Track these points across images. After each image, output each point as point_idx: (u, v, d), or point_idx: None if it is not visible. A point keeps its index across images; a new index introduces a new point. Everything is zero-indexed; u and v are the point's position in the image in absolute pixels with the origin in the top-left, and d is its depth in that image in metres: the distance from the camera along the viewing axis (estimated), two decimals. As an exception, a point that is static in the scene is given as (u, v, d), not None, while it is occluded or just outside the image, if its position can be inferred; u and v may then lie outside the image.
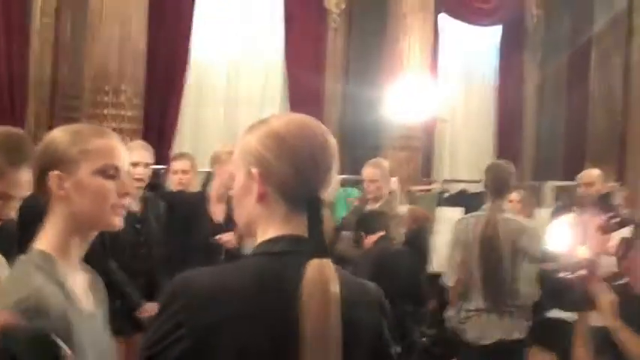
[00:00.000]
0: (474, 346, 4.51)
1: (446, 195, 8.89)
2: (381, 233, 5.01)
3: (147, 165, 4.56)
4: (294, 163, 1.46)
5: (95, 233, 1.80)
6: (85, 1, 7.61)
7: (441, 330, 6.93)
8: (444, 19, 10.71)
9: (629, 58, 11.15)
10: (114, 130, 2.67)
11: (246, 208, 1.51)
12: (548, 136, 11.47)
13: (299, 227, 1.47)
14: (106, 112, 7.22)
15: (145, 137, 6.78)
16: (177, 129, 8.74)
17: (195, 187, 5.40)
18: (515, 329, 4.47)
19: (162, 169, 6.64)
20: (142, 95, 7.68)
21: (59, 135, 1.78)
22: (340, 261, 2.35)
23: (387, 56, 9.64)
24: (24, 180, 2.03)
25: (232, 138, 8.42)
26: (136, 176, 4.31)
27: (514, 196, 6.33)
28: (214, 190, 4.73)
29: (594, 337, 2.85)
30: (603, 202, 4.76)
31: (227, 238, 4.58)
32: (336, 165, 1.52)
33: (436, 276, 6.77)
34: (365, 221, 5.13)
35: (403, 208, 5.89)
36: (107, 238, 4.10)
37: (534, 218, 6.34)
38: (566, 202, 5.59)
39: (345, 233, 5.25)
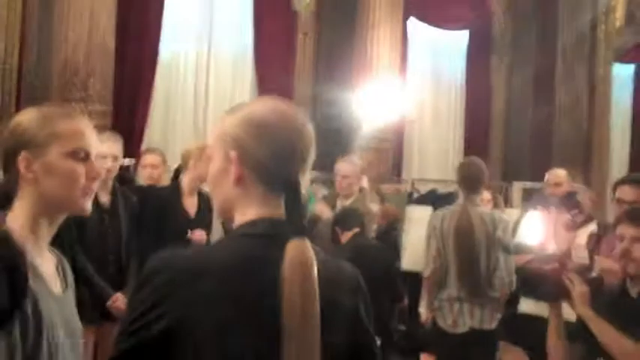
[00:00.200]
0: (448, 333, 4.62)
1: (415, 195, 8.95)
2: (357, 230, 5.03)
3: (115, 157, 4.49)
4: (273, 147, 1.46)
5: (63, 217, 1.77)
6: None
7: (412, 326, 7.01)
8: (412, 22, 10.81)
9: (594, 67, 11.40)
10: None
11: (223, 191, 1.51)
12: (516, 138, 11.66)
13: (277, 209, 1.47)
14: (74, 105, 7.13)
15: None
16: (146, 125, 8.68)
17: (165, 182, 5.36)
18: (487, 319, 4.60)
19: (132, 164, 6.59)
20: (111, 90, 7.61)
21: (28, 117, 1.75)
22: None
23: (356, 58, 9.71)
24: None
25: (201, 137, 8.42)
26: (105, 168, 4.25)
27: (485, 195, 6.42)
28: (186, 183, 4.70)
29: (567, 328, 2.89)
30: (568, 200, 4.82)
31: (198, 235, 4.56)
32: (313, 151, 1.52)
33: (406, 273, 6.85)
34: (340, 218, 5.14)
35: (374, 206, 5.93)
36: (74, 229, 4.06)
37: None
38: (538, 202, 5.64)
39: (320, 229, 5.25)
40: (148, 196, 4.75)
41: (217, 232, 4.89)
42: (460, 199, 4.76)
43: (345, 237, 4.99)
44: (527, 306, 4.89)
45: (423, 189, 9.34)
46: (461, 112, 11.63)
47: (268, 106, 1.52)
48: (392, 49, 9.72)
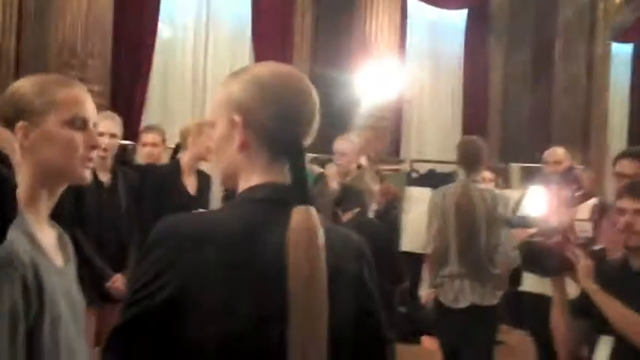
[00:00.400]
0: (449, 309, 4.66)
1: (414, 175, 8.94)
2: (357, 209, 5.03)
3: (113, 135, 4.47)
4: (278, 110, 1.44)
5: (62, 188, 1.75)
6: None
7: (413, 308, 7.02)
8: (411, 2, 10.76)
9: (593, 46, 11.38)
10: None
11: (228, 157, 1.48)
12: (514, 117, 11.65)
13: (282, 175, 1.44)
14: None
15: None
16: (145, 105, 8.65)
17: (164, 161, 5.35)
18: (488, 295, 4.64)
19: (131, 144, 6.57)
20: (109, 70, 7.58)
21: (24, 85, 1.73)
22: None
23: (354, 37, 9.68)
24: None
25: (200, 116, 8.39)
26: (102, 146, 4.23)
27: (487, 174, 6.44)
28: (186, 161, 4.69)
29: (571, 303, 2.89)
30: (568, 177, 4.83)
31: None
32: (317, 117, 1.50)
33: (406, 255, 6.86)
34: (341, 198, 5.13)
35: (374, 184, 5.95)
36: (73, 208, 4.05)
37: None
38: (538, 180, 5.65)
39: (321, 205, 5.25)
40: (147, 174, 4.75)
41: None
42: (460, 177, 4.79)
43: (346, 217, 4.99)
44: (529, 284, 4.90)
45: (422, 169, 9.33)
46: (459, 91, 11.60)
47: (272, 69, 1.50)
48: (390, 29, 9.69)
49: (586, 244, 3.52)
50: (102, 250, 4.29)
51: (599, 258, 2.91)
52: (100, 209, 4.35)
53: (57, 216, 1.79)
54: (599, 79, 11.48)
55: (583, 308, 2.82)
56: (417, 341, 6.66)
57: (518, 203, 5.19)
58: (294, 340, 1.32)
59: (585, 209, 4.53)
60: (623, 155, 3.77)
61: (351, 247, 1.52)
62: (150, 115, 8.65)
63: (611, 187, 5.10)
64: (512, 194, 6.14)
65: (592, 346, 2.80)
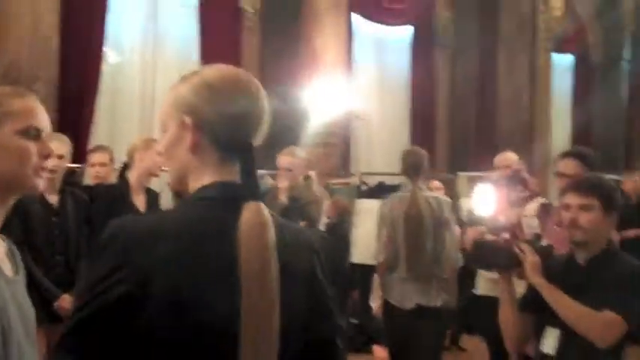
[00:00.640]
0: (396, 308, 4.87)
1: (364, 188, 9.01)
2: (304, 223, 5.02)
3: (61, 157, 4.43)
4: (227, 112, 1.47)
5: (14, 199, 1.74)
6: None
7: (365, 319, 7.08)
8: (356, 18, 10.89)
9: (535, 57, 11.66)
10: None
11: (179, 159, 1.50)
12: (461, 129, 11.85)
13: (232, 174, 1.47)
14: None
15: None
16: (92, 128, 8.55)
17: (112, 180, 5.30)
18: (433, 297, 4.85)
19: (79, 167, 6.50)
20: (56, 93, 7.51)
21: None
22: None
23: (302, 55, 9.74)
24: None
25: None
26: (50, 168, 4.19)
27: (436, 184, 6.54)
28: (135, 178, 4.65)
29: (519, 298, 2.95)
30: (514, 179, 4.94)
31: None
32: (267, 117, 1.52)
33: (357, 266, 6.91)
34: (287, 210, 5.11)
35: (323, 196, 5.91)
36: (19, 230, 4.00)
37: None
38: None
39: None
40: (96, 194, 4.70)
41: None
42: (407, 186, 4.97)
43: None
44: (483, 287, 5.01)
45: (372, 182, 9.40)
46: (407, 105, 11.76)
47: (221, 71, 1.53)
48: (337, 46, 9.80)
49: (533, 241, 3.60)
50: (50, 272, 4.24)
51: (545, 254, 2.97)
52: (49, 231, 4.31)
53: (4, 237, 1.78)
54: (541, 89, 11.77)
55: (531, 303, 2.87)
56: (369, 351, 6.76)
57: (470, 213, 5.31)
58: (246, 333, 1.34)
59: (531, 209, 4.65)
60: (563, 155, 3.87)
61: (303, 243, 1.55)
62: (97, 138, 8.53)
63: (554, 189, 5.21)
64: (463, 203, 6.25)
65: (539, 338, 2.85)
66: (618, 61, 14.42)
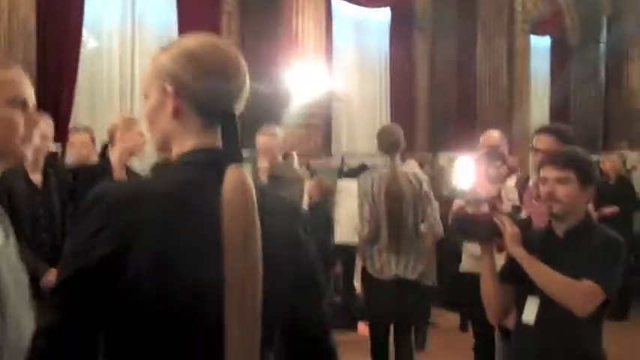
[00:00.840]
0: (375, 279, 5.00)
1: (345, 169, 9.05)
2: None
3: (44, 137, 4.43)
4: (208, 80, 1.48)
5: (2, 167, 1.76)
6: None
7: (348, 298, 7.14)
8: (336, 1, 10.89)
9: (513, 39, 11.74)
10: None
11: (161, 125, 1.52)
12: (440, 110, 11.93)
13: (215, 139, 1.49)
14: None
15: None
16: (72, 112, 8.52)
17: (94, 160, 5.30)
18: (410, 270, 4.99)
19: (60, 150, 6.49)
20: (35, 76, 7.46)
21: None
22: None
23: (281, 37, 9.73)
24: None
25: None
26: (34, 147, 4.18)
27: (415, 164, 6.60)
28: (116, 158, 4.65)
29: (500, 269, 3.00)
30: (493, 154, 4.98)
31: None
32: (247, 83, 1.54)
33: (340, 247, 6.97)
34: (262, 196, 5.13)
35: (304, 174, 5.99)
36: (4, 210, 3.99)
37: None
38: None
39: None
40: (78, 175, 4.70)
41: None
42: (384, 162, 5.07)
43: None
44: (466, 264, 5.06)
45: (353, 163, 9.45)
46: (386, 86, 11.83)
47: (201, 40, 1.54)
48: (316, 28, 9.81)
49: (512, 214, 3.65)
50: (36, 251, 4.23)
51: (525, 226, 3.02)
52: (34, 210, 4.30)
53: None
54: (519, 71, 11.87)
55: (510, 274, 2.92)
56: (353, 328, 6.83)
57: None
58: (230, 296, 1.35)
59: (510, 184, 4.71)
60: (539, 131, 3.91)
61: (285, 207, 1.58)
62: (78, 119, 8.51)
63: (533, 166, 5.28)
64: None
65: (520, 308, 2.91)
66: (595, 43, 14.52)
